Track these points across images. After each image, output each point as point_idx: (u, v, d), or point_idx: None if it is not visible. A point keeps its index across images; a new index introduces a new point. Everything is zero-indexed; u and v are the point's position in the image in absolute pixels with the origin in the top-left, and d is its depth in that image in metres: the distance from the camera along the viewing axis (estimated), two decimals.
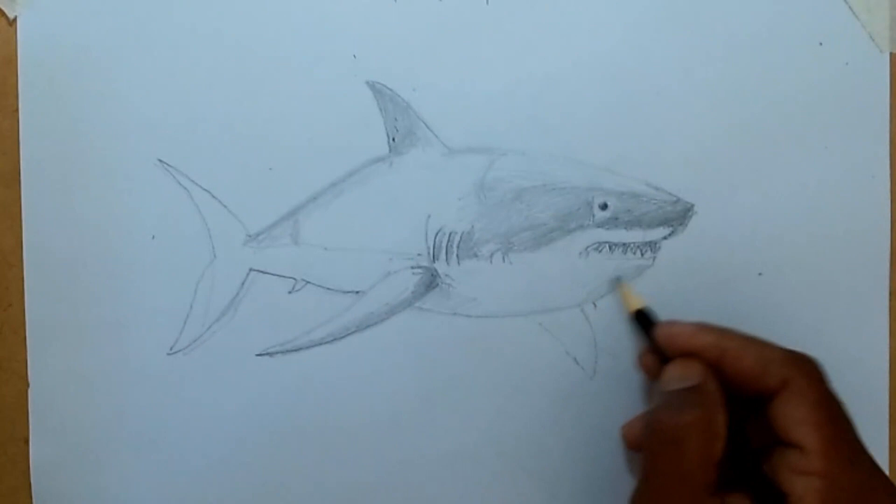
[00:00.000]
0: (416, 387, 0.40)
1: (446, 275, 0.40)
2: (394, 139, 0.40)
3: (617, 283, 0.40)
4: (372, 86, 0.40)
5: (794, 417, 0.32)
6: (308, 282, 0.40)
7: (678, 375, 0.34)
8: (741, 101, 0.40)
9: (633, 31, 0.40)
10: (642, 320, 0.38)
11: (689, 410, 0.32)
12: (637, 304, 0.39)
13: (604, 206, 0.40)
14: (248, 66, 0.40)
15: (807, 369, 0.33)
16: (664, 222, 0.40)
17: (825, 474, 0.30)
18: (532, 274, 0.40)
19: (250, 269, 0.40)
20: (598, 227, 0.40)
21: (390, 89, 0.40)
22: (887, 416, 0.41)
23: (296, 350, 0.40)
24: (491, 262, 0.40)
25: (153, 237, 0.40)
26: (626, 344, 0.40)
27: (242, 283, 0.40)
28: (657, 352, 0.37)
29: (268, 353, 0.40)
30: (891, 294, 0.41)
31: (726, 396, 0.33)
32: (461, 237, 0.40)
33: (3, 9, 0.40)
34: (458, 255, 0.40)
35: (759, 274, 0.41)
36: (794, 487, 0.31)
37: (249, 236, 0.40)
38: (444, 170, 0.40)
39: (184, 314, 0.40)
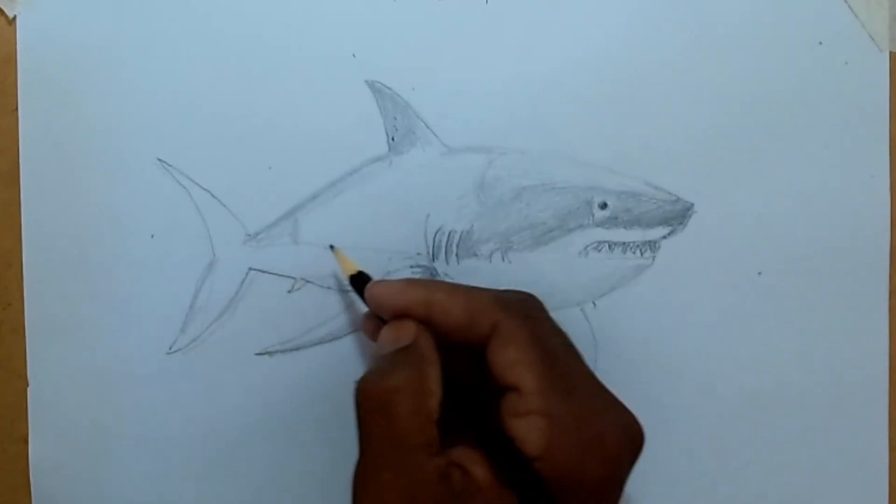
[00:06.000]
0: None
1: (446, 274, 0.40)
2: (393, 138, 0.40)
3: (332, 250, 0.39)
4: (371, 85, 0.40)
5: (507, 360, 0.31)
6: (307, 281, 0.40)
7: (391, 338, 0.33)
8: (741, 101, 0.40)
9: (632, 30, 0.40)
10: (358, 285, 0.37)
11: (397, 373, 0.31)
12: (353, 268, 0.37)
13: (603, 206, 0.40)
14: (248, 65, 0.40)
15: (515, 310, 0.32)
16: (664, 221, 0.40)
17: (544, 412, 0.30)
18: (531, 273, 0.40)
19: (249, 269, 0.40)
20: (598, 226, 0.40)
21: (390, 88, 0.40)
22: (887, 416, 0.41)
23: (295, 349, 0.40)
24: (490, 261, 0.40)
25: (152, 236, 0.40)
26: (626, 343, 0.40)
27: (241, 283, 0.40)
28: (379, 316, 0.35)
29: (267, 353, 0.40)
30: (891, 294, 0.41)
31: (447, 350, 0.32)
32: (460, 236, 0.40)
33: (3, 8, 0.40)
34: (457, 255, 0.40)
35: (759, 273, 0.41)
36: (518, 430, 0.30)
37: (249, 235, 0.40)
38: (443, 169, 0.40)
39: (183, 313, 0.40)
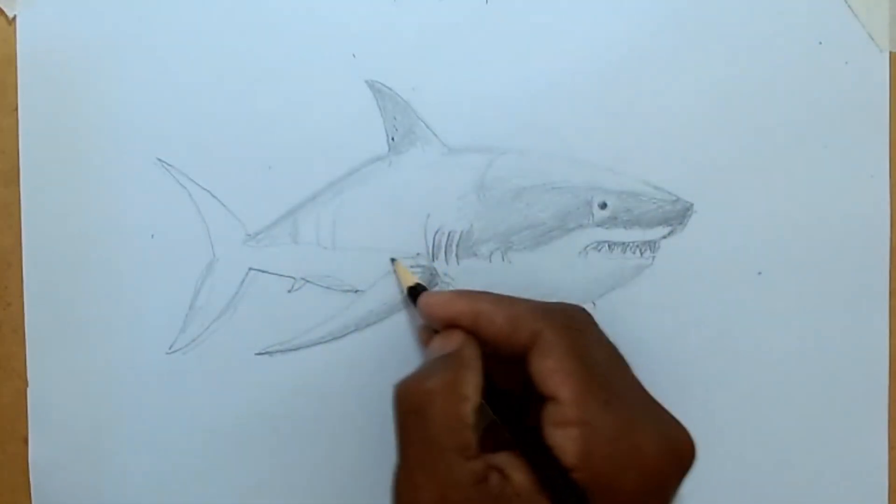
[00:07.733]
0: None
1: (445, 274, 0.40)
2: (393, 138, 0.40)
3: (392, 263, 0.39)
4: (371, 85, 0.40)
5: (546, 370, 0.31)
6: (307, 281, 0.40)
7: (438, 346, 0.34)
8: (741, 101, 0.40)
9: (632, 30, 0.40)
10: (414, 297, 0.37)
11: (434, 377, 0.32)
12: (411, 280, 0.38)
13: (603, 206, 0.40)
14: (248, 65, 0.40)
15: (556, 320, 0.33)
16: (663, 221, 0.40)
17: (581, 422, 0.30)
18: (531, 273, 0.40)
19: (249, 269, 0.40)
20: (598, 226, 0.40)
21: (390, 88, 0.40)
22: (887, 416, 0.41)
23: (295, 349, 0.40)
24: (490, 261, 0.40)
25: (152, 236, 0.40)
26: (625, 343, 0.40)
27: (242, 283, 0.40)
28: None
29: (267, 353, 0.40)
30: (891, 294, 0.41)
31: (497, 360, 0.33)
32: (460, 236, 0.40)
33: (3, 7, 0.40)
34: (457, 255, 0.40)
35: (759, 273, 0.41)
36: (555, 439, 0.30)
37: (249, 235, 0.40)
38: (443, 169, 0.40)
39: (183, 313, 0.40)
